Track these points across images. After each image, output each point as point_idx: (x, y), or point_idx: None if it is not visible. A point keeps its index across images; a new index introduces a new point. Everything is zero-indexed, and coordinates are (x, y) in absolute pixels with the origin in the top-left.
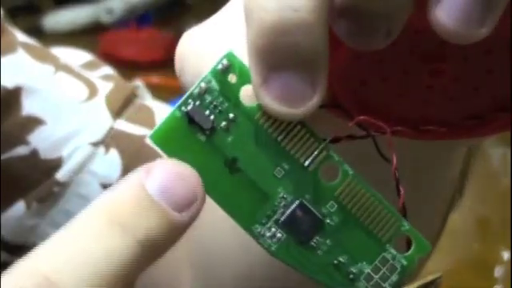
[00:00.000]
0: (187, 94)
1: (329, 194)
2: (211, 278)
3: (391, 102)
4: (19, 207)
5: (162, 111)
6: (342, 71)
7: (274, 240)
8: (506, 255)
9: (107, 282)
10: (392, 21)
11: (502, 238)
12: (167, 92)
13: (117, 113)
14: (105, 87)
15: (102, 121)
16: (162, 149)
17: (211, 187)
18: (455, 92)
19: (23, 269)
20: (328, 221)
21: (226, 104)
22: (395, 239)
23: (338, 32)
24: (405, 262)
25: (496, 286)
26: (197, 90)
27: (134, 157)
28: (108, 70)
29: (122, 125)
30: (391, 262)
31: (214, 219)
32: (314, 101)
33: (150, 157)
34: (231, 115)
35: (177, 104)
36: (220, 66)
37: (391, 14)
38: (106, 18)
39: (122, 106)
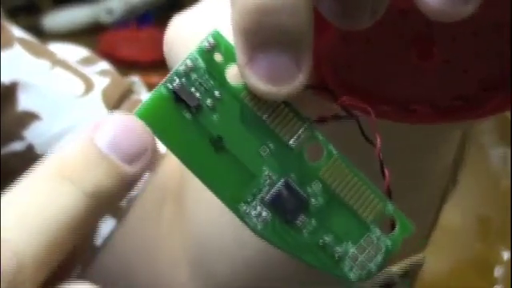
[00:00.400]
0: (173, 71)
1: (314, 173)
2: (208, 275)
3: (379, 83)
4: None
5: None
6: (329, 53)
7: (260, 219)
8: (506, 255)
9: (59, 236)
10: None
11: (502, 238)
12: None
13: (113, 108)
14: (101, 82)
15: (98, 116)
16: (148, 125)
17: (196, 165)
18: (444, 74)
19: None
20: (313, 200)
21: (212, 82)
22: (380, 220)
23: (322, 11)
24: (389, 243)
25: (496, 286)
26: (182, 68)
27: None
28: (104, 65)
29: None
30: (376, 242)
31: (210, 216)
32: (299, 80)
33: None
34: (217, 93)
35: (163, 81)
36: (206, 45)
37: None
38: (105, 18)
39: (118, 101)
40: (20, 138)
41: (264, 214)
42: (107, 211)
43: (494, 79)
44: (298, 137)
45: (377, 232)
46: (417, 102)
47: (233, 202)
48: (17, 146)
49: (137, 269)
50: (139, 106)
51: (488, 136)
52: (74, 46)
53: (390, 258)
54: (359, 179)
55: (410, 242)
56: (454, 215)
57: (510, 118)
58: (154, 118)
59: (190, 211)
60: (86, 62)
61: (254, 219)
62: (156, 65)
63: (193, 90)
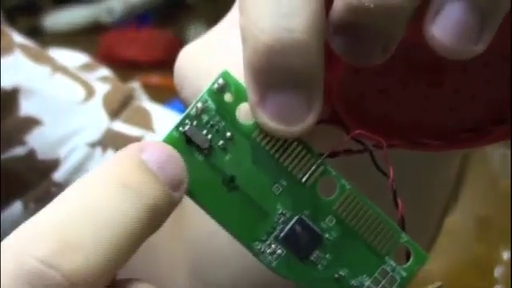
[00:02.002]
0: (184, 114)
1: (327, 208)
2: (208, 281)
3: (390, 112)
4: (16, 208)
5: (159, 113)
6: (340, 84)
7: (275, 256)
8: (505, 255)
9: (122, 246)
10: (388, 37)
11: (502, 238)
12: (167, 92)
13: (114, 114)
14: (102, 89)
15: (99, 122)
16: None
17: (210, 205)
18: (453, 102)
19: (37, 231)
20: (327, 235)
21: (223, 123)
22: (394, 251)
23: (335, 48)
24: (404, 274)
25: (496, 285)
26: (194, 111)
27: None
28: (105, 71)
29: (119, 126)
30: (391, 273)
31: (210, 227)
32: (310, 119)
33: None
34: (228, 134)
35: (174, 124)
36: (216, 86)
37: (387, 30)
38: (105, 18)
39: (118, 108)
40: (21, 142)
41: (279, 251)
42: (153, 232)
43: (501, 106)
44: (311, 173)
45: (391, 263)
46: (427, 131)
47: (247, 240)
48: (18, 151)
49: (136, 272)
50: None
51: None
52: (74, 52)
53: None
54: (372, 212)
55: None
56: (454, 215)
57: None
58: None
59: (190, 220)
60: (86, 68)
61: (269, 257)
62: (156, 65)
63: (204, 132)
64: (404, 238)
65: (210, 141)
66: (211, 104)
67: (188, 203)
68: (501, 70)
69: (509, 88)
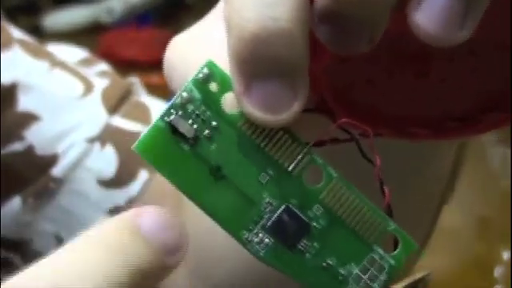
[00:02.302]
0: (169, 104)
1: (314, 197)
2: (207, 278)
3: (378, 102)
4: (15, 203)
5: (158, 108)
6: (328, 73)
7: (262, 245)
8: (505, 255)
9: None
10: (372, 26)
11: (502, 238)
12: (167, 92)
13: (112, 109)
14: (100, 84)
15: (97, 117)
16: (147, 159)
17: (197, 195)
18: (440, 92)
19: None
20: (315, 224)
21: (209, 113)
22: (382, 239)
23: (320, 37)
24: (392, 262)
25: (496, 285)
26: (179, 100)
27: (129, 153)
28: (104, 66)
29: (118, 121)
30: (379, 261)
31: (209, 224)
32: (296, 107)
33: None
34: (214, 123)
35: (159, 114)
36: (201, 75)
37: (372, 19)
38: (105, 18)
39: (117, 103)
40: (20, 138)
41: (266, 240)
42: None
43: (490, 96)
44: (297, 162)
45: (379, 252)
46: (416, 120)
47: (235, 229)
48: (17, 146)
49: None
50: (138, 139)
51: (488, 136)
52: (73, 47)
53: (393, 277)
54: (360, 200)
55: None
56: (454, 215)
57: None
58: (152, 151)
59: (189, 219)
60: (84, 63)
61: (256, 246)
62: (156, 65)
63: (190, 121)
64: (391, 225)
65: (196, 130)
66: (196, 94)
67: (186, 202)
68: (488, 60)
69: (508, 78)
